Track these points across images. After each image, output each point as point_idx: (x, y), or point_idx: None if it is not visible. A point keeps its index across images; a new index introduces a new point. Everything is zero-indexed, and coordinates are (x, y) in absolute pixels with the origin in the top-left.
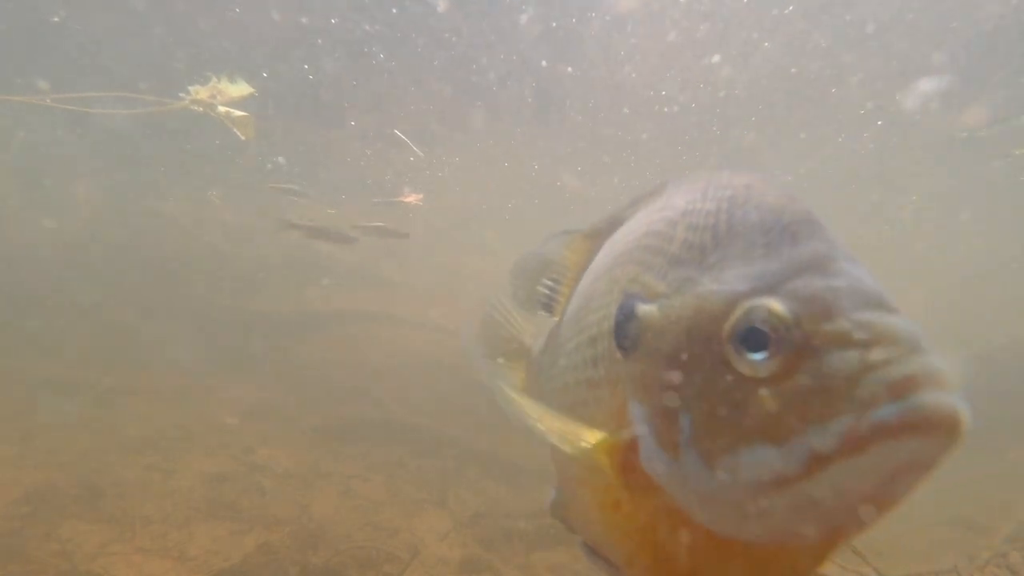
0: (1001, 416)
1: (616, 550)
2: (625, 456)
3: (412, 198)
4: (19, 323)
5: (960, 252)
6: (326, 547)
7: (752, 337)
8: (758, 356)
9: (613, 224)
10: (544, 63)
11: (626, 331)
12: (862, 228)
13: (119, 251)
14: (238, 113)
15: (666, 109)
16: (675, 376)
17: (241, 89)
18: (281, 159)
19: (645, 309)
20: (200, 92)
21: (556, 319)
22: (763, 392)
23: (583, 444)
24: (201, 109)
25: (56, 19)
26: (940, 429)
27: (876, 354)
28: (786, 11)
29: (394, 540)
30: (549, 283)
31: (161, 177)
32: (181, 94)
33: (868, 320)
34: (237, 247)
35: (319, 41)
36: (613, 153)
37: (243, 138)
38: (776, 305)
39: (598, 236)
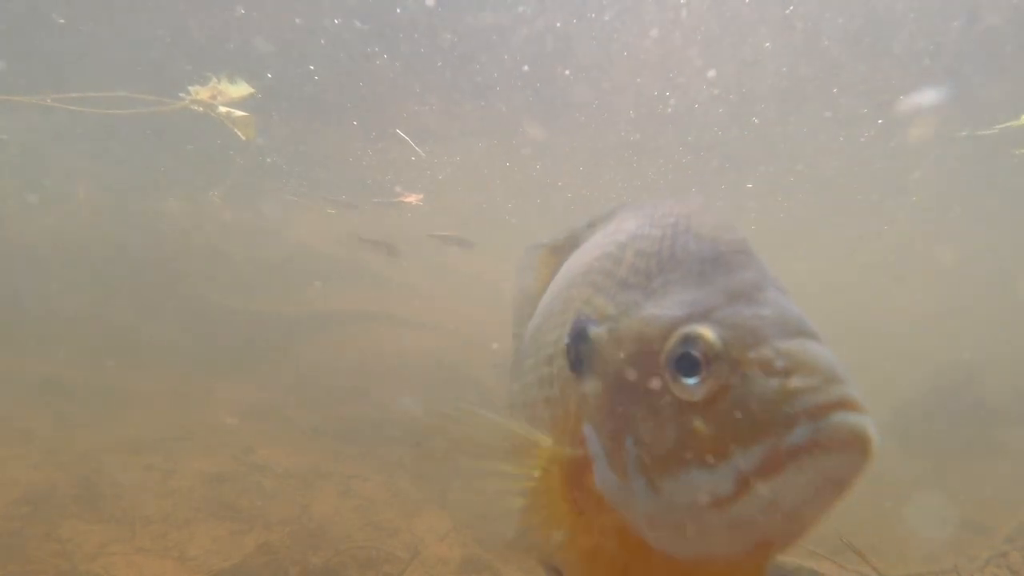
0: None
1: (572, 569)
2: (578, 474)
3: (412, 198)
4: (19, 323)
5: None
6: (326, 547)
7: (686, 362)
8: (691, 381)
9: (573, 241)
10: (545, 63)
11: (578, 352)
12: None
13: (119, 251)
14: (239, 113)
15: (670, 110)
16: (621, 398)
17: (241, 89)
18: (269, 160)
19: (595, 331)
20: (201, 92)
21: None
22: (695, 416)
23: (534, 457)
24: (201, 109)
25: (62, 20)
26: (850, 447)
27: (795, 381)
28: (787, 11)
29: (394, 540)
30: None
31: (161, 177)
32: (181, 94)
33: (789, 348)
34: (237, 247)
35: (321, 41)
36: (613, 154)
37: (244, 138)
38: (708, 332)
39: (560, 251)
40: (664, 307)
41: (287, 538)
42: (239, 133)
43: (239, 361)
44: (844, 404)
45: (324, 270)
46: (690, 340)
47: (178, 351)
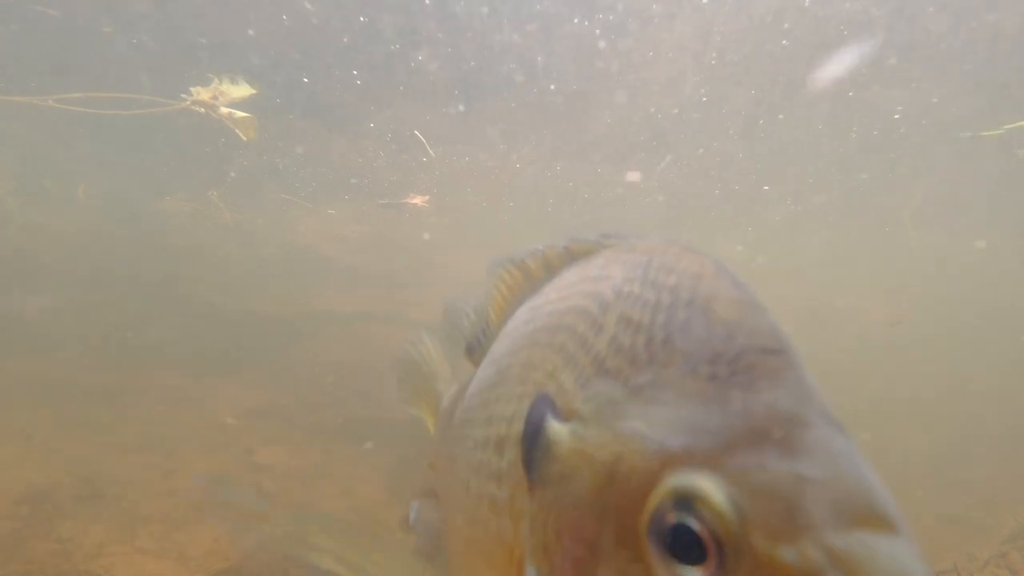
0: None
1: None
2: None
3: (419, 200)
4: (19, 323)
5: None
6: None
7: (680, 537)
8: (687, 572)
9: (547, 269)
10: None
11: (532, 452)
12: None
13: (119, 251)
14: (240, 114)
15: (675, 112)
16: (577, 548)
17: (243, 90)
18: (269, 160)
19: (556, 430)
20: (202, 93)
21: (473, 371)
22: None
23: None
24: (203, 110)
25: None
26: None
27: None
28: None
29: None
30: (475, 320)
31: (161, 177)
32: (183, 95)
33: (849, 552)
34: (237, 247)
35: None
36: (616, 154)
37: (245, 139)
38: (715, 493)
39: (530, 277)
40: (652, 423)
41: (287, 538)
42: (240, 134)
43: (239, 361)
44: None
45: (324, 270)
46: (688, 502)
47: (178, 351)
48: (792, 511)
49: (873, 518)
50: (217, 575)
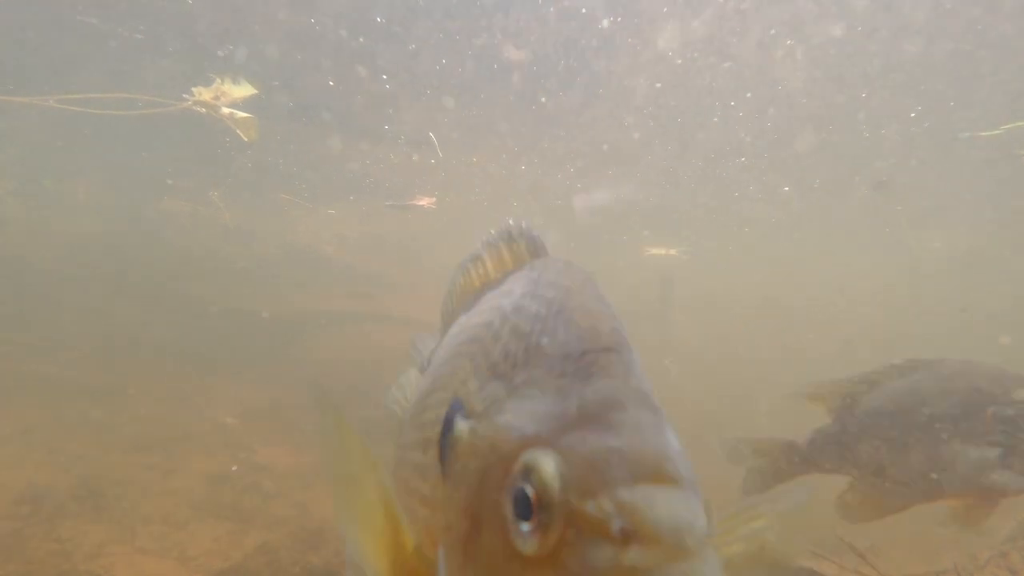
0: None
1: None
2: None
3: (425, 201)
4: (19, 323)
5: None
6: (326, 547)
7: (519, 499)
8: (524, 527)
9: (484, 284)
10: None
11: (444, 449)
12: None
13: (119, 251)
14: (241, 114)
15: (679, 119)
16: (466, 522)
17: (244, 90)
18: (269, 160)
19: (459, 427)
20: (204, 93)
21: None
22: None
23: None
24: (204, 110)
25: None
26: None
27: (630, 555)
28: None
29: None
30: (431, 342)
31: (162, 177)
32: (184, 95)
33: (633, 502)
34: (237, 247)
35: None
36: (619, 155)
37: (246, 139)
38: (547, 465)
39: (471, 291)
40: (519, 415)
41: (287, 538)
42: (241, 134)
43: (239, 361)
44: None
45: (324, 270)
46: (528, 474)
47: (178, 351)
48: (596, 473)
49: (659, 475)
50: (217, 575)
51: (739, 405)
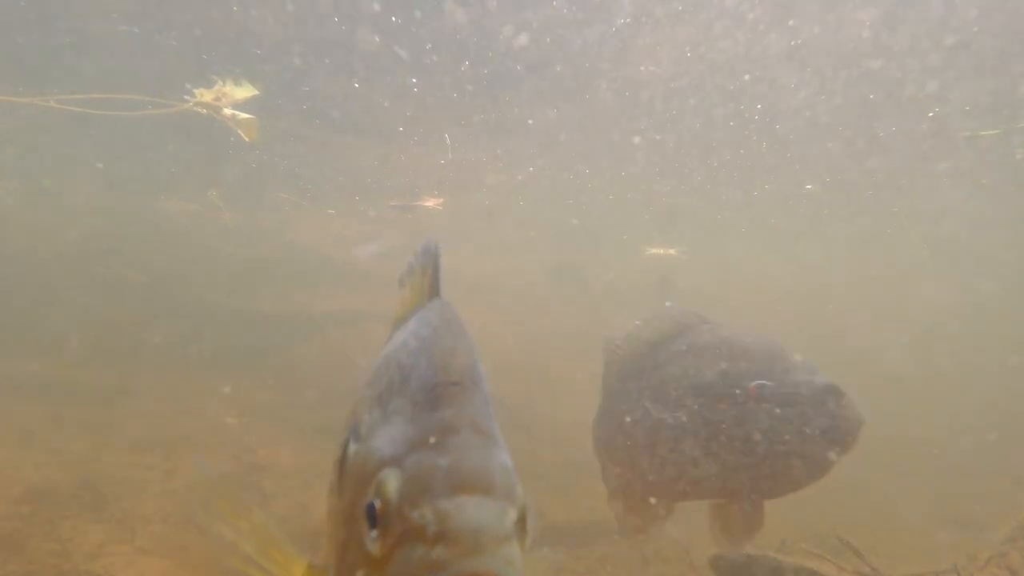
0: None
1: None
2: None
3: (432, 202)
4: (19, 323)
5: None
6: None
7: (370, 512)
8: (372, 533)
9: (403, 313)
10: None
11: (340, 470)
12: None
13: (119, 251)
14: (243, 115)
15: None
16: (341, 531)
17: (246, 91)
18: (269, 160)
19: (349, 450)
20: (205, 95)
21: None
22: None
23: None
24: (205, 111)
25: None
26: None
27: (435, 552)
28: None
29: None
30: None
31: (161, 177)
32: (186, 96)
33: (446, 510)
34: (237, 247)
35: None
36: (619, 157)
37: (247, 139)
38: (390, 482)
39: (397, 320)
40: (382, 440)
41: (287, 538)
42: (242, 135)
43: (239, 361)
44: None
45: (324, 270)
46: (378, 488)
47: (178, 351)
48: (423, 487)
49: (473, 487)
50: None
51: None
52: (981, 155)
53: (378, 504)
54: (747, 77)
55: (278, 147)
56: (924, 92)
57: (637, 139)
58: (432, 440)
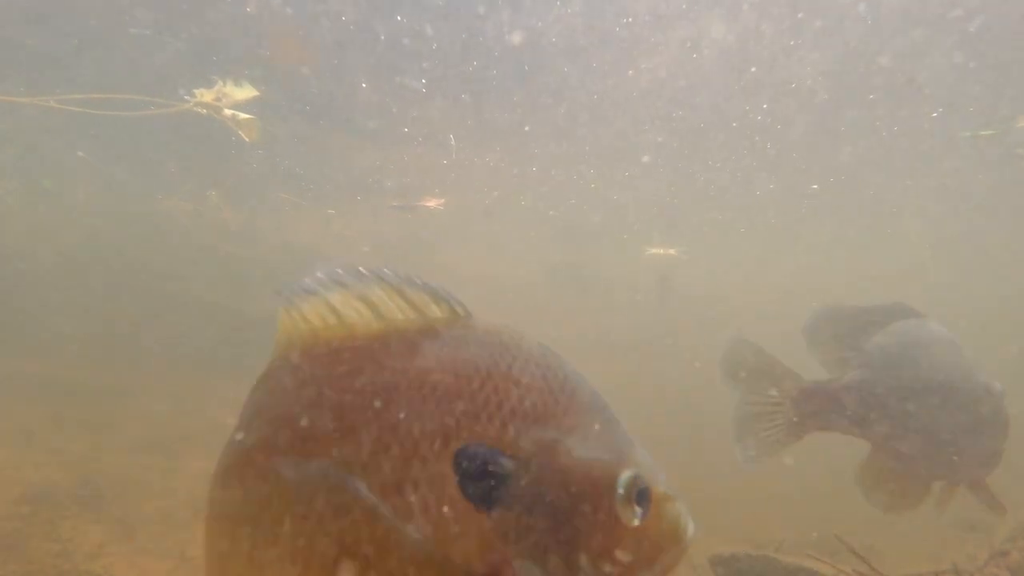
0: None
1: None
2: None
3: (433, 202)
4: (19, 323)
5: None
6: None
7: (641, 497)
8: (639, 510)
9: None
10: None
11: (490, 488)
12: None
13: (119, 251)
14: (243, 116)
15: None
16: (568, 528)
17: (246, 92)
18: (271, 160)
19: (511, 467)
20: (205, 95)
21: None
22: (634, 536)
23: None
24: (205, 112)
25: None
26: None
27: (679, 510)
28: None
29: None
30: None
31: (161, 177)
32: (186, 96)
33: (669, 483)
34: (237, 247)
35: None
36: (622, 156)
37: (247, 140)
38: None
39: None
40: (596, 451)
41: None
42: (243, 135)
43: (239, 361)
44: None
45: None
46: (637, 481)
47: (178, 351)
48: (653, 473)
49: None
50: None
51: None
52: (980, 153)
53: (643, 488)
54: (753, 69)
55: (278, 147)
56: (928, 90)
57: (637, 139)
58: (631, 442)
